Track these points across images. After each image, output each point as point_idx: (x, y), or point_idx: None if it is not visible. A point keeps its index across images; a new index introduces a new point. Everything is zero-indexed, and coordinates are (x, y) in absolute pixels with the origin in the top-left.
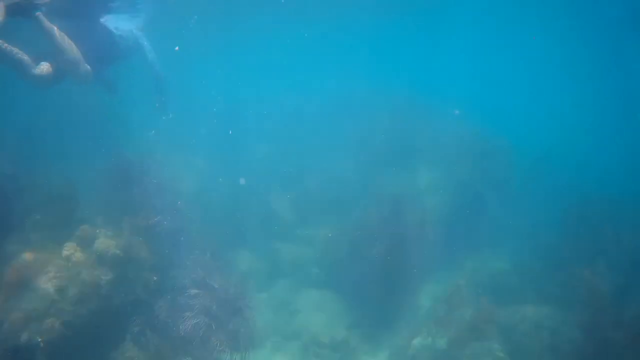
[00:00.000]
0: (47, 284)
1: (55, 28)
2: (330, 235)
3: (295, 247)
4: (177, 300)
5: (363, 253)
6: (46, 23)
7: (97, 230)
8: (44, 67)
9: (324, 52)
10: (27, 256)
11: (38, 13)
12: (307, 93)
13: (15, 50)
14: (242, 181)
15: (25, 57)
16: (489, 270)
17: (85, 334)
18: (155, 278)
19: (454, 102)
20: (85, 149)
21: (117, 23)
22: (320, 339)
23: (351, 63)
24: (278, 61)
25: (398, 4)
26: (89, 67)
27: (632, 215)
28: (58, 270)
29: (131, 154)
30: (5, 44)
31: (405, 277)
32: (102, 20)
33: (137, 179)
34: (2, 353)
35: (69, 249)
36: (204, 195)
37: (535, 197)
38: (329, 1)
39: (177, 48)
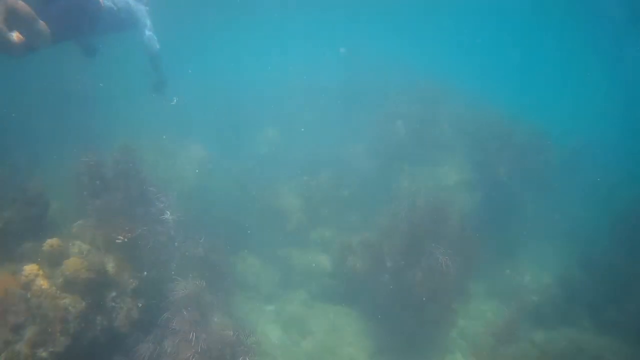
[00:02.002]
0: None
1: None
2: (347, 241)
3: (307, 254)
4: (163, 345)
5: (386, 263)
6: None
7: (70, 244)
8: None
9: (336, 29)
10: None
11: None
12: (318, 73)
13: None
14: None
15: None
16: (532, 286)
17: None
18: (140, 304)
19: (484, 91)
20: (64, 140)
21: None
22: None
23: (367, 41)
24: (287, 39)
25: None
26: (47, 28)
27: None
28: (14, 301)
29: (113, 149)
30: None
31: (437, 292)
32: None
33: (119, 181)
34: None
35: (29, 273)
36: (203, 190)
37: (575, 196)
38: None
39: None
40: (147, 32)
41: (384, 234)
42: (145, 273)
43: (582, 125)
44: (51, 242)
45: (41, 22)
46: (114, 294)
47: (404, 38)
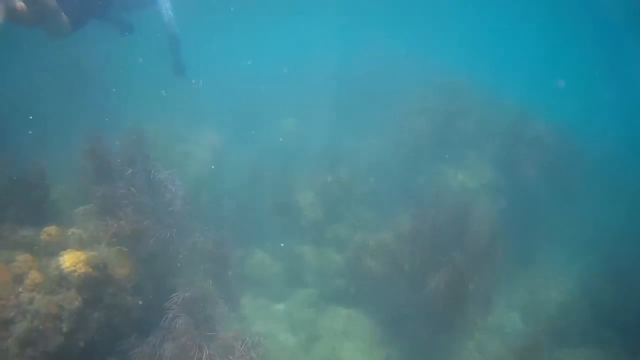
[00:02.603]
0: None
1: None
2: (364, 241)
3: (321, 252)
4: (163, 349)
5: (404, 267)
6: None
7: (69, 233)
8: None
9: (360, 18)
10: None
11: None
12: (340, 62)
13: None
14: None
15: None
16: (555, 299)
17: None
18: (140, 302)
19: (503, 88)
20: (74, 121)
21: None
22: None
23: (391, 31)
24: (309, 26)
25: None
26: (67, 19)
27: None
28: (3, 295)
29: (121, 133)
30: None
31: (457, 304)
32: None
33: (125, 167)
34: None
35: (23, 264)
36: (215, 179)
37: (598, 201)
38: None
39: None
40: (167, 12)
41: (404, 237)
42: (148, 269)
43: (599, 128)
44: (49, 231)
45: (63, 14)
46: (112, 290)
47: (423, 32)
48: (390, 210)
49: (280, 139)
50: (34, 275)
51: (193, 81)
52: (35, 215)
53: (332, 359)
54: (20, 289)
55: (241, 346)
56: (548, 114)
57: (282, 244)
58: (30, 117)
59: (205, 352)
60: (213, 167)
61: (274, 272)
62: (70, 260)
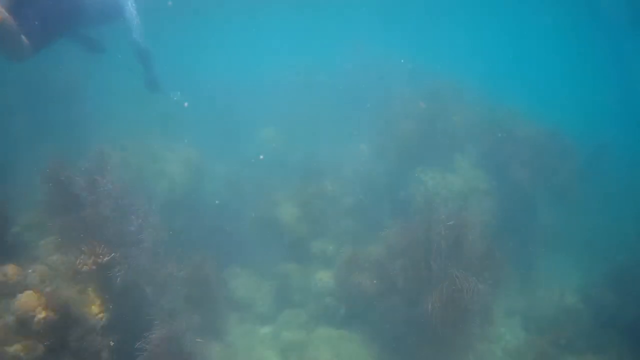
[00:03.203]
0: None
1: None
2: (353, 256)
3: (307, 269)
4: None
5: (397, 283)
6: None
7: (30, 271)
8: None
9: (335, 17)
10: None
11: None
12: (317, 67)
13: None
14: None
15: None
16: (557, 305)
17: None
18: (111, 343)
19: (493, 89)
20: (44, 142)
21: None
22: None
23: (368, 30)
24: (283, 27)
25: None
26: (27, 42)
27: None
28: None
29: (87, 156)
30: None
31: (458, 323)
32: None
33: (89, 194)
34: None
35: None
36: (193, 197)
37: (594, 201)
38: None
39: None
40: (136, 26)
41: (395, 250)
42: (119, 305)
43: (595, 127)
44: (6, 270)
45: (22, 36)
46: (79, 332)
47: (407, 33)
48: (379, 222)
49: (261, 157)
50: None
51: (171, 95)
52: None
53: None
54: None
55: None
56: (539, 113)
57: (265, 263)
58: None
59: None
60: (190, 183)
61: (259, 292)
62: (28, 304)
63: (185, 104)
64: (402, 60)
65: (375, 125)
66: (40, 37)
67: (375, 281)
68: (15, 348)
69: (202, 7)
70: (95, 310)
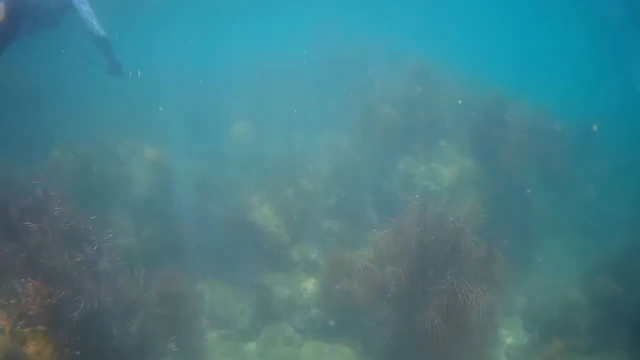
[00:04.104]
0: None
1: None
2: (338, 260)
3: (290, 278)
4: None
5: (388, 291)
6: None
7: None
8: None
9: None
10: None
11: None
12: (289, 55)
13: None
14: None
15: None
16: (558, 300)
17: None
18: None
19: (477, 71)
20: None
21: None
22: None
23: (339, 13)
24: (250, 13)
25: None
26: None
27: None
28: None
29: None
30: None
31: (458, 329)
32: None
33: (33, 220)
34: None
35: None
36: (161, 203)
37: (587, 185)
38: None
39: None
40: (87, 17)
41: (384, 255)
42: (76, 350)
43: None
44: None
45: None
46: None
47: (384, 13)
48: (363, 219)
49: (231, 148)
50: None
51: (130, 73)
52: None
53: None
54: None
55: None
56: (527, 96)
57: (243, 272)
58: None
59: None
60: (158, 188)
61: (239, 306)
62: None
63: (139, 74)
64: (380, 44)
65: (354, 112)
66: None
67: (365, 290)
68: None
69: None
70: (48, 356)
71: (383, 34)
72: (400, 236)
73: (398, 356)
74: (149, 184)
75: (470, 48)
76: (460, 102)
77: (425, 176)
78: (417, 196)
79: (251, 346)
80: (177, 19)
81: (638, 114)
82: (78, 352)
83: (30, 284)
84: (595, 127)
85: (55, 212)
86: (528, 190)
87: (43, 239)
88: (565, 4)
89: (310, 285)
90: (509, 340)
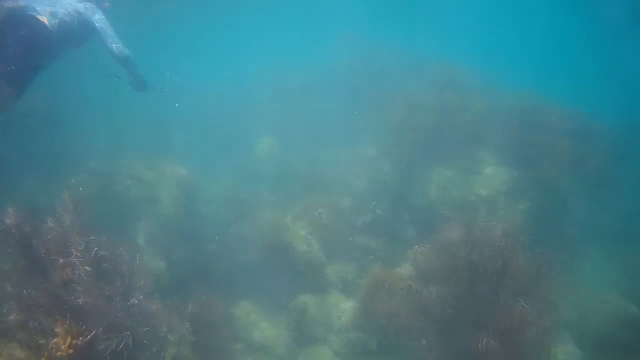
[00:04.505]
0: None
1: None
2: (378, 279)
3: (327, 300)
4: None
5: (433, 312)
6: None
7: None
8: None
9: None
10: None
11: None
12: (311, 64)
13: None
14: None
15: None
16: (612, 318)
17: None
18: None
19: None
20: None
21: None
22: None
23: (358, 21)
24: (269, 27)
25: None
26: (9, 90)
27: None
28: None
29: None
30: None
31: (513, 353)
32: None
33: (55, 252)
34: None
35: None
36: (189, 224)
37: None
38: None
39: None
40: (109, 39)
41: (428, 273)
42: None
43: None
44: None
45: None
46: None
47: (399, 22)
48: (401, 235)
49: (258, 165)
50: None
51: (158, 88)
52: None
53: None
54: None
55: None
56: (560, 98)
57: (278, 295)
58: None
59: None
60: (186, 208)
61: (275, 330)
62: None
63: (167, 87)
64: (405, 51)
65: (383, 123)
66: (21, 81)
67: (407, 311)
68: None
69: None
70: None
71: (407, 41)
72: (445, 253)
73: None
74: (176, 205)
75: (494, 52)
76: (493, 108)
77: (462, 187)
78: (458, 210)
79: None
80: (197, 32)
81: None
82: None
83: (59, 323)
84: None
85: (83, 245)
86: (568, 196)
87: (71, 273)
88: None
89: (348, 306)
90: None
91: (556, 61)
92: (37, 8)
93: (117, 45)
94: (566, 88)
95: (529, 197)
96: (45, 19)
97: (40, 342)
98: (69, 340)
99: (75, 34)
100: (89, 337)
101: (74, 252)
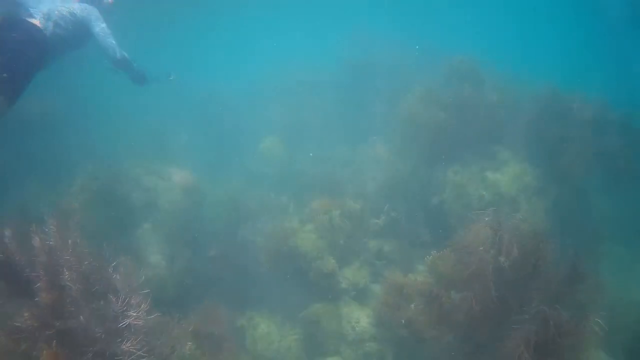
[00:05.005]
0: None
1: None
2: (394, 287)
3: (339, 309)
4: None
5: (454, 315)
6: None
7: None
8: None
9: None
10: None
11: None
12: (316, 60)
13: None
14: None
15: None
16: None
17: None
18: None
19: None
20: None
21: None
22: None
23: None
24: (272, 24)
25: None
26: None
27: None
28: None
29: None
30: None
31: (538, 354)
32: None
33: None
34: None
35: None
36: (192, 228)
37: None
38: None
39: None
40: (105, 41)
41: (449, 279)
42: None
43: None
44: None
45: None
46: None
47: (416, 12)
48: (415, 237)
49: (263, 167)
50: None
51: (165, 77)
52: None
53: None
54: None
55: None
56: (581, 89)
57: (287, 304)
58: None
59: None
60: (188, 214)
61: (284, 342)
62: None
63: (172, 76)
64: (416, 47)
65: (393, 119)
66: (12, 89)
67: (427, 319)
68: None
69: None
70: None
71: (417, 33)
72: (468, 256)
73: None
74: (178, 210)
75: (509, 43)
76: (510, 101)
77: (480, 186)
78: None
79: None
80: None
81: None
82: None
83: (45, 352)
84: None
85: (72, 260)
86: (593, 193)
87: (59, 294)
88: None
89: (362, 314)
90: None
91: (576, 51)
92: (30, 10)
93: (113, 48)
94: (588, 79)
95: (551, 195)
96: (38, 22)
97: None
98: None
99: (72, 37)
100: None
101: (64, 270)
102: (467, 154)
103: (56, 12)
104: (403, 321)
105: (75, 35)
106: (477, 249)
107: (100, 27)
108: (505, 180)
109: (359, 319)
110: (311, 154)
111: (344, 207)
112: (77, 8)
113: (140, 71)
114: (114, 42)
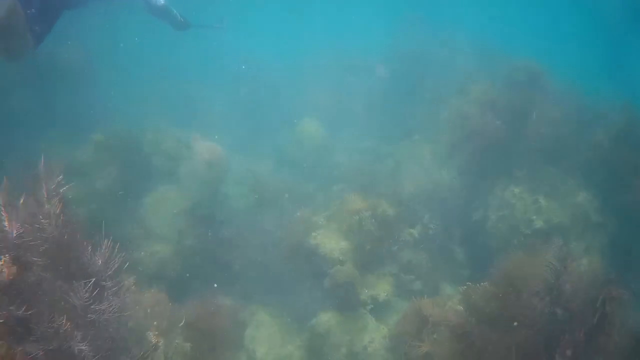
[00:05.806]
0: None
1: None
2: (418, 312)
3: (354, 320)
4: None
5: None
6: None
7: None
8: None
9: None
10: None
11: None
12: (367, 46)
13: None
14: None
15: None
16: None
17: None
18: None
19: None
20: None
21: None
22: None
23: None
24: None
25: None
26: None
27: None
28: None
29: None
30: None
31: None
32: None
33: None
34: None
35: None
36: (209, 204)
37: None
38: None
39: None
40: None
41: (483, 315)
42: None
43: None
44: None
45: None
46: None
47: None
48: (450, 259)
49: (298, 151)
50: None
51: (223, 22)
52: None
53: None
54: None
55: None
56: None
57: (297, 306)
58: None
59: None
60: (212, 190)
61: (287, 347)
62: None
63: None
64: (471, 39)
65: (441, 120)
66: (41, 27)
67: (450, 354)
68: None
69: None
70: None
71: (473, 27)
72: (513, 297)
73: None
74: (198, 183)
75: (578, 50)
76: (576, 117)
77: (530, 209)
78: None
79: None
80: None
81: None
82: None
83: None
84: None
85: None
86: None
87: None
88: None
89: (377, 334)
90: None
91: None
92: None
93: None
94: None
95: (609, 232)
96: None
97: None
98: None
99: None
100: None
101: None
102: (519, 171)
103: None
104: (422, 352)
105: None
106: (525, 288)
107: None
108: (559, 208)
109: (374, 339)
110: (349, 143)
111: (376, 209)
112: None
113: (180, 16)
114: None
